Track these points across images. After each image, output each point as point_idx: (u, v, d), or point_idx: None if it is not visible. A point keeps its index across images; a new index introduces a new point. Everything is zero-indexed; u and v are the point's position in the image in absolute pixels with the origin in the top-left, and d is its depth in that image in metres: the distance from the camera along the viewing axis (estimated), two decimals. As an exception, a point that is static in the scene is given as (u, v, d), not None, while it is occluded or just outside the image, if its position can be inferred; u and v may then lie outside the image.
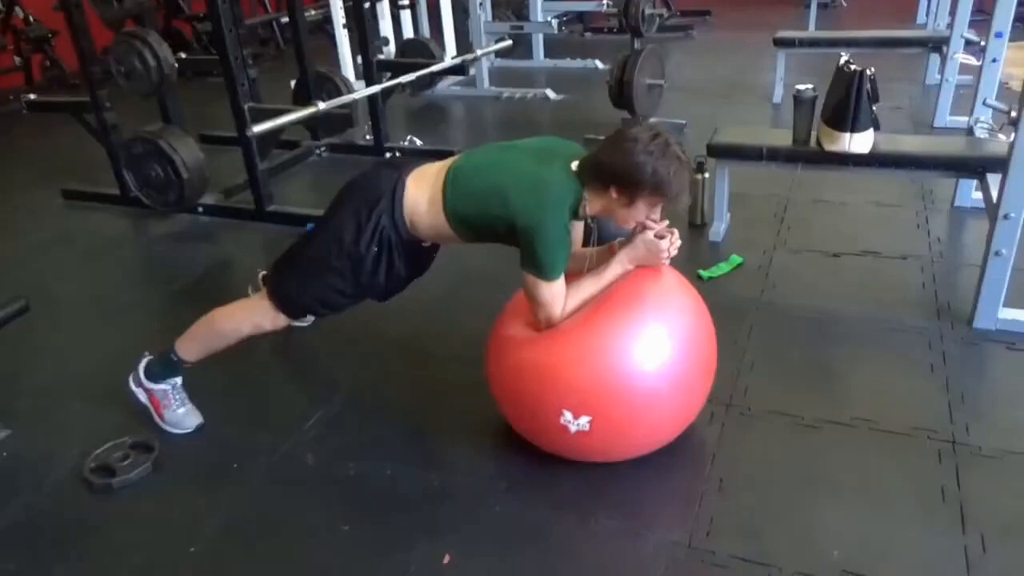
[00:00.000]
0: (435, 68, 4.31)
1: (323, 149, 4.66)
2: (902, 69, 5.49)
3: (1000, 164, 2.59)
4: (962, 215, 3.31)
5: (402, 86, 4.33)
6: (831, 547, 1.71)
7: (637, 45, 4.34)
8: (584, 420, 1.80)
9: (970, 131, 3.23)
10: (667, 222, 1.92)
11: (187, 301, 3.00)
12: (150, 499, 2.00)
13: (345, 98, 3.41)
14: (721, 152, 3.01)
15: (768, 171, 3.40)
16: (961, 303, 2.61)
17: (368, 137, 4.71)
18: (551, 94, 5.63)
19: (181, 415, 2.26)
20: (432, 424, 2.25)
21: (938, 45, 4.52)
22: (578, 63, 6.48)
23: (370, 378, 2.45)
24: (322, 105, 3.26)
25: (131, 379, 2.26)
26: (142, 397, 2.26)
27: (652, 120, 4.66)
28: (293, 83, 4.87)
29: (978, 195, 3.27)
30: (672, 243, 1.89)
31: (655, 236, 1.88)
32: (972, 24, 4.91)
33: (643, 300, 1.90)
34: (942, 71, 4.26)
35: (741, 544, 1.74)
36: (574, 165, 1.88)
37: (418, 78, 4.28)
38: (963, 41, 4.05)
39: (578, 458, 1.95)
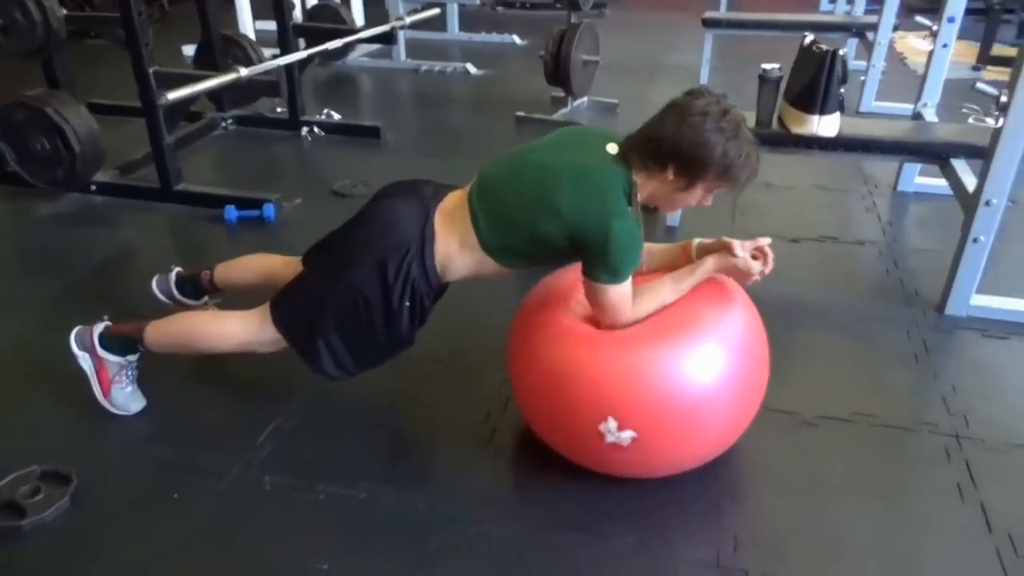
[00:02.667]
0: (363, 35, 3.96)
1: (229, 121, 4.21)
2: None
3: (968, 150, 2.60)
4: (905, 199, 3.33)
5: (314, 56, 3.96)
6: (862, 560, 1.60)
7: (573, 19, 4.15)
8: (627, 435, 1.59)
9: (918, 115, 3.25)
10: (768, 240, 1.73)
11: (85, 296, 2.59)
12: (70, 543, 1.65)
13: (268, 64, 3.04)
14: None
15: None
16: (927, 289, 2.60)
17: (280, 110, 4.32)
18: (472, 68, 5.36)
19: (128, 395, 1.98)
20: (409, 435, 2.00)
21: (861, 31, 4.58)
22: (495, 37, 6.23)
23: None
24: (244, 71, 2.87)
25: (76, 339, 1.95)
26: (86, 364, 1.94)
27: (586, 99, 4.51)
28: (188, 48, 4.39)
29: (922, 180, 3.32)
30: (766, 265, 1.72)
31: (748, 260, 1.71)
32: (866, 12, 5.08)
33: (702, 313, 1.68)
34: (868, 57, 4.31)
35: (771, 561, 1.60)
36: (611, 147, 1.66)
37: (329, 48, 3.91)
38: (892, 27, 4.10)
39: (606, 471, 1.74)
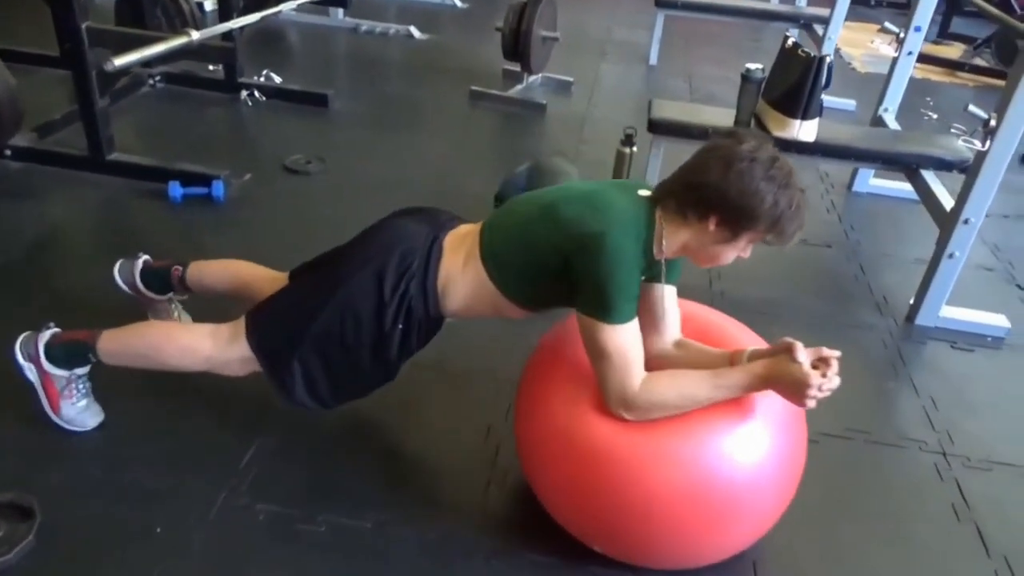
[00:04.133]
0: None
1: (157, 79, 3.85)
2: (752, 40, 5.68)
3: (939, 163, 2.67)
4: (861, 200, 3.42)
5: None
6: (879, 588, 1.64)
7: (533, -8, 4.00)
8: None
9: (879, 120, 3.32)
10: (837, 354, 1.44)
11: (17, 284, 2.30)
12: (43, 589, 1.47)
13: (223, 27, 2.75)
14: (664, 129, 2.81)
15: (681, 148, 3.28)
16: (894, 297, 2.68)
17: (212, 68, 3.97)
18: (416, 32, 5.11)
19: (81, 409, 1.78)
20: (408, 454, 1.89)
21: (809, 23, 4.65)
22: (434, -2, 5.97)
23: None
24: (196, 35, 2.59)
25: (21, 348, 1.74)
26: (32, 376, 1.75)
27: (540, 76, 4.38)
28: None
29: (876, 182, 3.41)
30: (828, 382, 1.40)
31: (808, 368, 1.40)
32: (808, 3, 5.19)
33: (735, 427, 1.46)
34: (817, 48, 4.36)
35: (793, 591, 1.61)
36: (643, 192, 1.53)
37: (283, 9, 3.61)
38: (842, 22, 4.17)
39: None
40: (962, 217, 2.34)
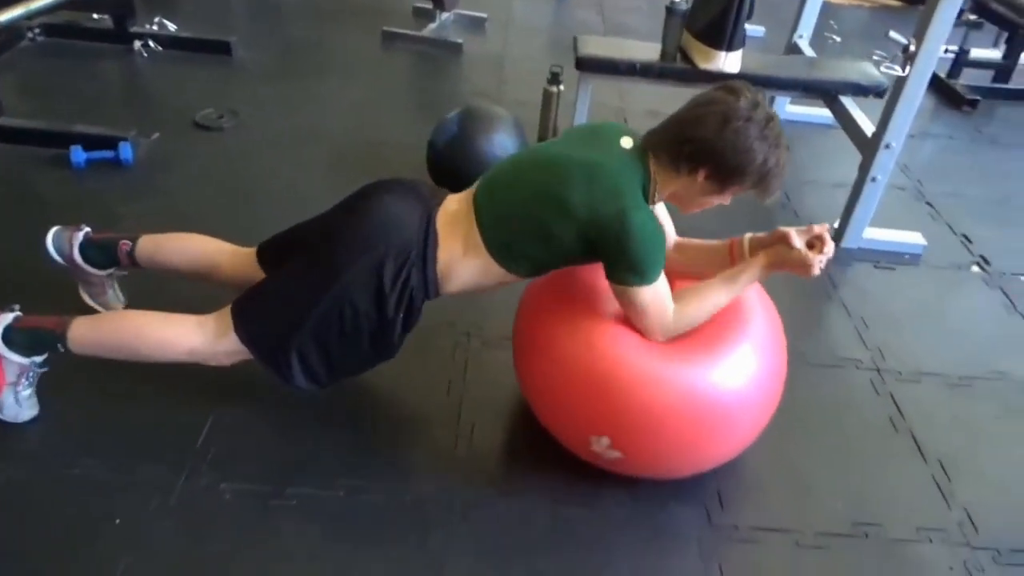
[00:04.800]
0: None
1: (37, 31, 3.51)
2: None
3: (856, 88, 2.75)
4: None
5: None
6: (833, 500, 1.74)
7: (442, -76, 3.83)
8: (616, 454, 1.58)
9: (795, 47, 3.38)
10: (826, 227, 1.57)
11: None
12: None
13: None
14: (592, 66, 2.78)
15: (609, 84, 3.26)
16: (819, 221, 2.73)
17: (98, 16, 3.65)
18: (315, -30, 4.82)
19: (23, 400, 1.68)
20: (371, 418, 1.85)
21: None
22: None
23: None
24: (85, -17, 2.36)
25: None
26: None
27: (453, 13, 4.23)
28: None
29: (793, 108, 3.50)
30: (825, 256, 1.54)
31: (806, 250, 1.54)
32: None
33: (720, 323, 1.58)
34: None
35: (756, 512, 1.69)
36: (626, 141, 1.53)
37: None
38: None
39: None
40: (883, 142, 2.43)
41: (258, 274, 1.73)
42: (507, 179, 1.60)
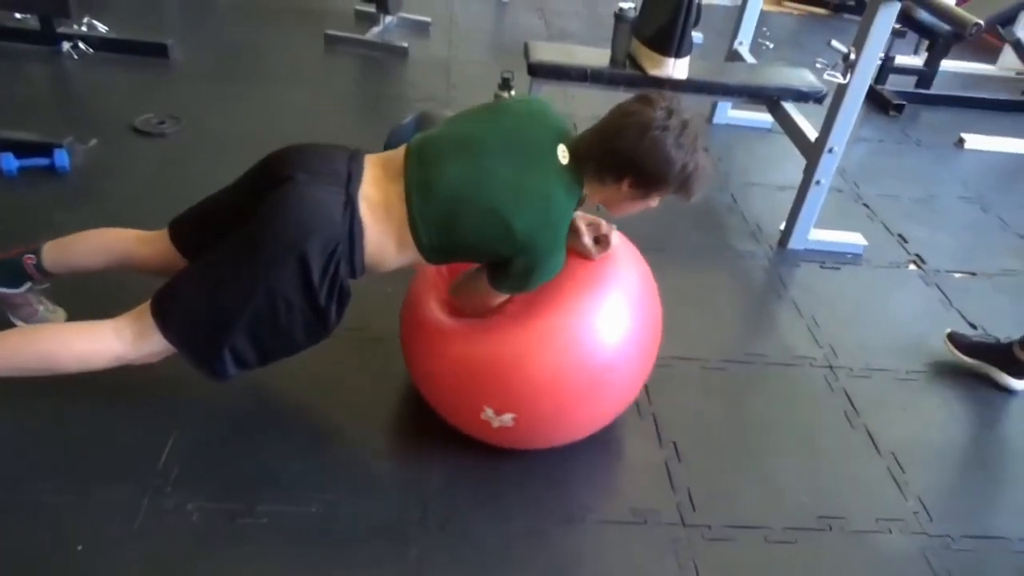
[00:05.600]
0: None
1: (-46, 32, 3.32)
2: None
3: (796, 94, 2.86)
4: (722, 132, 3.60)
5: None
6: (797, 495, 1.79)
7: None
8: (507, 417, 1.61)
9: (735, 54, 3.48)
10: (613, 228, 1.70)
11: None
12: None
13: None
14: (544, 72, 2.80)
15: (559, 90, 3.29)
16: (765, 224, 2.87)
17: (20, 16, 3.48)
18: (250, -30, 4.71)
19: None
20: (335, 429, 1.81)
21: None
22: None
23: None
24: (17, -18, 2.24)
25: None
26: None
27: (396, 17, 4.19)
28: None
29: (734, 113, 3.60)
30: (602, 249, 1.68)
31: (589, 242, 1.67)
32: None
33: (577, 279, 1.64)
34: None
35: (727, 511, 1.73)
36: (562, 153, 1.55)
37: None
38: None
39: (505, 447, 1.74)
40: (827, 146, 2.52)
41: (175, 255, 1.69)
42: (447, 184, 1.52)
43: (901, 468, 1.91)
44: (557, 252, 1.55)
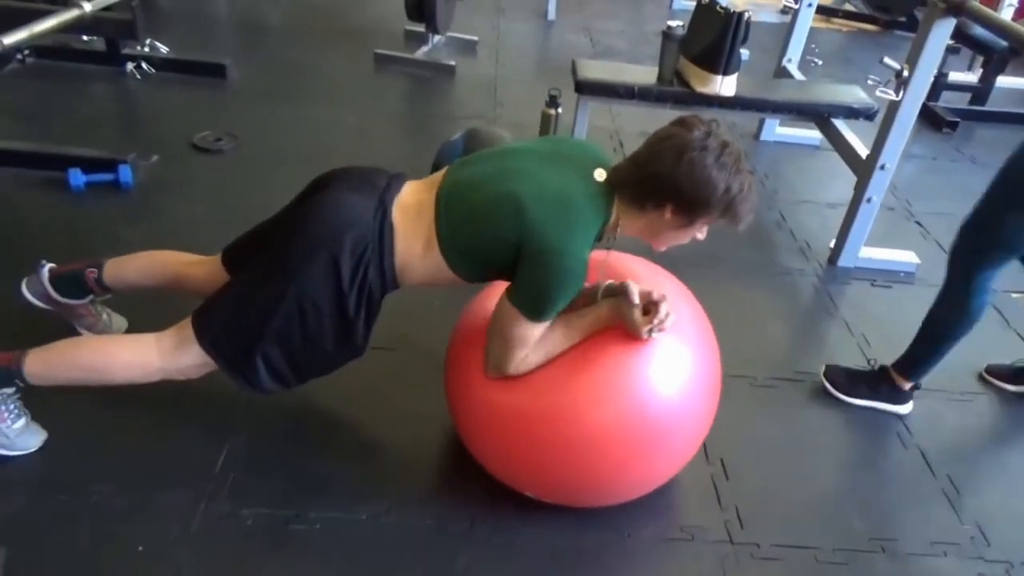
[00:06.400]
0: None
1: (27, 53, 3.48)
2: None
3: (847, 111, 2.82)
4: (770, 149, 3.58)
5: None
6: (849, 517, 1.76)
7: (436, -52, 3.87)
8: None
9: (784, 71, 3.46)
10: (663, 295, 1.51)
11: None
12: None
13: (115, -3, 2.50)
14: (591, 89, 2.82)
15: (606, 108, 3.32)
16: (814, 242, 2.84)
17: (87, 38, 3.63)
18: (303, -8, 4.85)
19: (18, 431, 1.65)
20: (384, 440, 1.84)
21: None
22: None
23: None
24: (88, 6, 2.35)
25: None
26: None
27: (445, 36, 4.27)
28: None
29: (782, 130, 3.57)
30: (657, 325, 1.48)
31: (638, 316, 1.49)
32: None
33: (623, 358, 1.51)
34: None
35: (776, 529, 1.71)
36: (599, 174, 1.51)
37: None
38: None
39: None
40: (879, 163, 2.49)
41: (225, 278, 1.71)
42: (474, 183, 1.54)
43: (956, 490, 1.86)
44: (570, 256, 1.42)
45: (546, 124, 3.06)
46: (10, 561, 1.43)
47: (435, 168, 2.64)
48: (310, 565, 1.52)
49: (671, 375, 1.53)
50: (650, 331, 1.48)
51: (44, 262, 1.88)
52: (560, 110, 3.06)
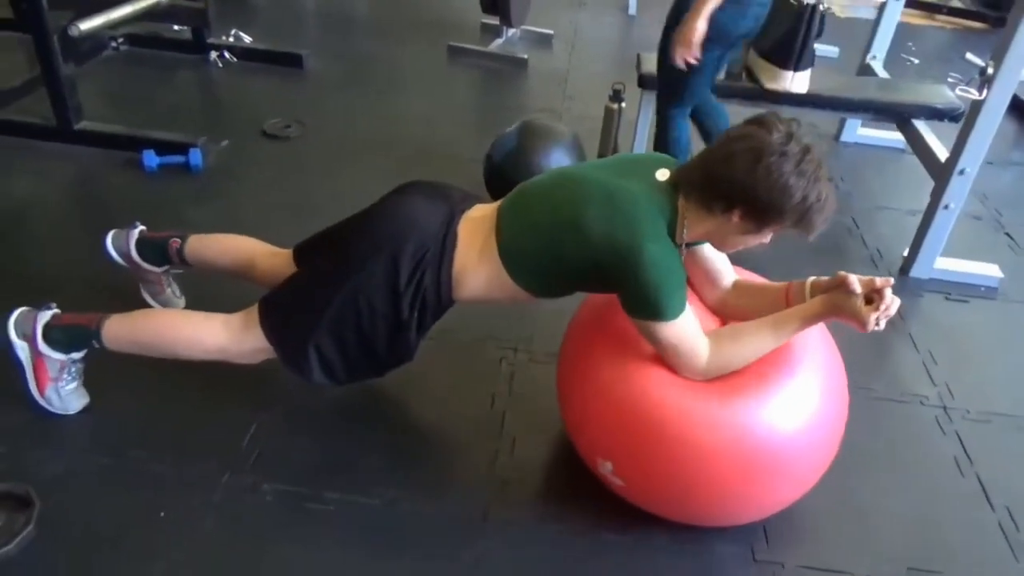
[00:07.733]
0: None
1: (120, 40, 3.68)
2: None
3: (930, 112, 2.65)
4: (850, 151, 3.40)
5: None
6: (889, 543, 1.65)
7: (512, -59, 3.86)
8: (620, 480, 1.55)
9: (867, 68, 3.28)
10: (890, 280, 1.42)
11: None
12: (48, 582, 1.43)
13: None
14: (654, 84, 2.74)
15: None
16: (887, 250, 2.68)
17: (177, 28, 3.80)
18: (387, -14, 4.93)
19: (68, 393, 1.74)
20: (412, 427, 1.85)
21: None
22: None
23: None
24: (164, -5, 2.46)
25: (15, 324, 1.68)
26: (22, 355, 1.68)
27: (519, 29, 4.26)
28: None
29: (864, 131, 3.39)
30: (884, 313, 1.39)
31: (862, 304, 1.41)
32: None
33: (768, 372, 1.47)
34: None
35: (804, 553, 1.62)
36: (662, 174, 1.47)
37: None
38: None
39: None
40: (958, 168, 2.32)
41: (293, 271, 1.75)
42: (534, 193, 1.56)
43: (1016, 525, 1.71)
44: (645, 250, 1.37)
45: (609, 118, 3.00)
46: (41, 516, 1.50)
47: (488, 158, 2.64)
48: (320, 545, 1.53)
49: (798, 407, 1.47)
50: (877, 320, 1.39)
51: (138, 223, 1.99)
52: (624, 104, 2.99)
